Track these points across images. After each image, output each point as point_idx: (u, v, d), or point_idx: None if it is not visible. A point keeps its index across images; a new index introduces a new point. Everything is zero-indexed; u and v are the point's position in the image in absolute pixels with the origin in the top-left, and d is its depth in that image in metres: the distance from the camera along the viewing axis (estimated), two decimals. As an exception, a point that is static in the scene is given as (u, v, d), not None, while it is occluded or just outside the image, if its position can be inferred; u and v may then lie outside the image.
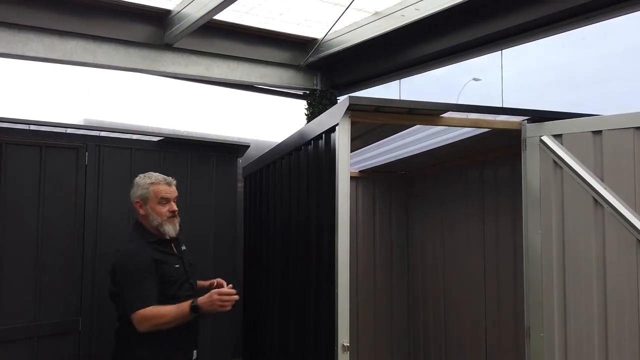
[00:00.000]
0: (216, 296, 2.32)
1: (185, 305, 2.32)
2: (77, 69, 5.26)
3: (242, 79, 6.02)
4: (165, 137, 3.41)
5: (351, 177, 4.88)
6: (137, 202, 2.50)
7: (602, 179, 2.59)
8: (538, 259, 2.78)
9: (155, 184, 2.51)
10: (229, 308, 2.33)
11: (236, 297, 2.35)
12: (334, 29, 5.69)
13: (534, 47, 4.66)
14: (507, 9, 4.62)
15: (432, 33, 5.25)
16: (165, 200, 2.50)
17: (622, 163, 2.53)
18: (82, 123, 5.02)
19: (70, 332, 3.04)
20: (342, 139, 2.53)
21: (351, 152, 3.98)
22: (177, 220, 2.56)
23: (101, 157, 3.19)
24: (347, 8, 4.84)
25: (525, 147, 2.88)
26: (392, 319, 4.82)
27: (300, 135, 3.18)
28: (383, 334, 4.79)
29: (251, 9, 5.31)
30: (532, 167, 2.84)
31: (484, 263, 3.99)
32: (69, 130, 3.14)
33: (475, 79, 7.50)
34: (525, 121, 2.90)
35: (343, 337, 2.42)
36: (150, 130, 5.14)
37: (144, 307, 2.31)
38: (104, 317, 3.16)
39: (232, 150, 3.71)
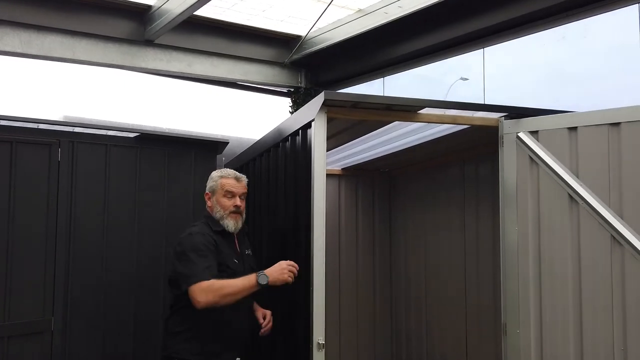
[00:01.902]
0: (285, 264, 2.34)
1: (251, 277, 2.30)
2: (56, 64, 5.16)
3: (225, 76, 5.96)
4: (141, 133, 3.36)
5: (334, 175, 4.92)
6: (207, 193, 2.61)
7: (577, 175, 2.60)
8: (514, 256, 2.79)
9: (224, 177, 2.59)
10: (291, 279, 2.35)
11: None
12: (318, 26, 5.65)
13: (524, 45, 4.68)
14: (489, 6, 4.63)
15: (415, 31, 5.25)
16: (230, 194, 2.56)
17: (597, 159, 2.54)
18: (61, 119, 4.93)
19: (43, 331, 2.98)
20: (318, 135, 2.51)
21: (333, 149, 4.01)
22: (240, 218, 2.60)
23: (75, 154, 3.13)
24: (328, 5, 4.80)
25: (503, 143, 2.88)
26: (375, 318, 4.82)
27: (278, 131, 3.15)
28: (365, 333, 4.78)
29: (234, 5, 5.26)
30: (509, 164, 2.85)
31: (465, 260, 4.00)
32: (42, 126, 3.08)
33: (462, 79, 7.52)
34: (503, 118, 2.90)
35: (318, 334, 2.40)
36: (130, 127, 5.06)
37: (204, 279, 2.28)
38: (78, 316, 3.11)
39: (210, 146, 3.67)
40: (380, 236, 4.91)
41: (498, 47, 4.91)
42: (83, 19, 4.88)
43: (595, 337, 2.50)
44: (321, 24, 5.71)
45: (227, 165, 4.89)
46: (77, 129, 3.17)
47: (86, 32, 4.97)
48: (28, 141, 2.99)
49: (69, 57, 4.97)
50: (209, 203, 2.61)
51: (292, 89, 6.53)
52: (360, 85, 6.43)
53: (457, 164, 4.12)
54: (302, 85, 6.55)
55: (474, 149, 3.79)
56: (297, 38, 6.01)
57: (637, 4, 3.97)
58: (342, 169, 4.96)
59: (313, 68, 6.43)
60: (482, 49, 5.05)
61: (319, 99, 2.46)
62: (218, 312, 2.35)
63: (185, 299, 2.34)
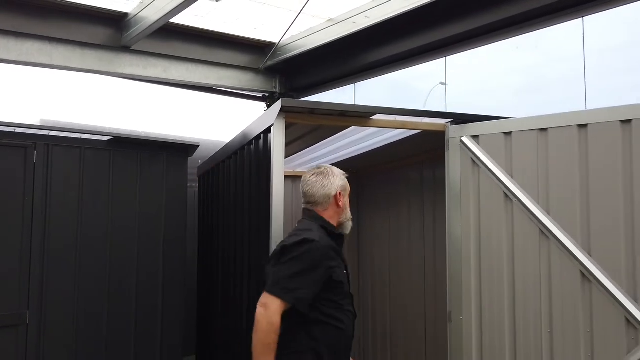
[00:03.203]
0: None
1: None
2: (34, 69, 5.30)
3: (200, 81, 6.15)
4: (115, 136, 3.54)
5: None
6: (340, 192, 2.20)
7: (511, 175, 2.88)
8: (458, 250, 3.05)
9: (345, 176, 2.28)
10: None
11: None
12: (291, 33, 5.90)
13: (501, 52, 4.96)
14: (449, 18, 4.93)
15: (382, 40, 5.53)
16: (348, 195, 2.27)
17: (528, 161, 2.83)
18: (39, 123, 5.06)
19: (18, 325, 3.14)
20: (276, 139, 2.73)
21: (300, 151, 4.23)
22: None
23: (50, 156, 3.30)
24: (298, 15, 5.05)
25: (449, 147, 3.15)
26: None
27: (243, 135, 3.37)
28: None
29: (208, 13, 5.46)
30: (453, 166, 3.12)
31: (424, 258, 4.26)
32: (19, 130, 3.24)
33: (442, 84, 7.82)
34: (449, 123, 3.18)
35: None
36: (108, 131, 5.23)
37: (288, 298, 1.92)
38: (53, 312, 3.27)
39: (181, 149, 3.86)
40: (349, 237, 5.12)
41: (472, 55, 5.20)
42: (61, 25, 5.03)
43: (527, 321, 2.77)
44: (294, 32, 5.95)
45: (200, 168, 5.09)
46: (52, 133, 3.35)
47: (64, 38, 5.13)
48: (4, 144, 3.16)
49: (46, 62, 5.11)
50: (340, 203, 2.20)
51: (267, 94, 6.75)
52: (333, 91, 6.69)
53: (417, 166, 4.39)
54: (277, 90, 6.78)
55: (430, 152, 4.06)
56: (271, 45, 6.23)
57: (582, 18, 4.31)
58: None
59: (287, 74, 6.67)
60: (443, 58, 5.35)
61: (277, 106, 2.69)
62: (344, 339, 2.06)
63: (314, 315, 1.99)
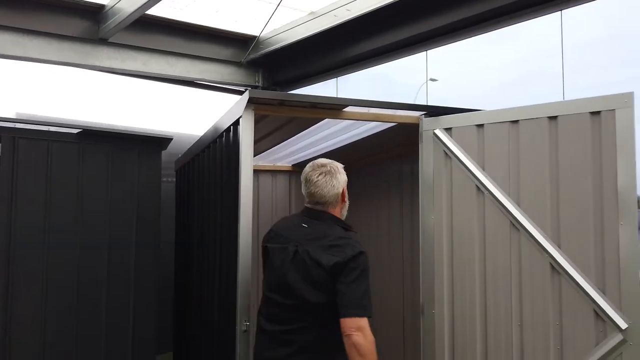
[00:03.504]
0: None
1: None
2: (9, 62, 5.19)
3: (181, 75, 6.06)
4: (84, 128, 3.47)
5: (285, 171, 5.11)
6: (344, 189, 2.18)
7: (483, 168, 2.86)
8: (431, 243, 3.03)
9: None
10: None
11: None
12: (273, 27, 5.83)
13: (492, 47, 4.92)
14: (429, 12, 4.90)
15: (363, 33, 5.48)
16: None
17: (499, 153, 2.81)
18: (14, 117, 4.96)
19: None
20: (245, 131, 2.69)
21: (274, 146, 4.19)
22: None
23: (17, 149, 3.22)
24: (276, 7, 4.99)
25: (422, 140, 3.12)
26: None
27: (214, 128, 3.32)
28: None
29: (187, 6, 5.39)
30: (427, 158, 3.09)
31: (402, 252, 4.24)
32: (-17, 122, 3.16)
33: (432, 79, 7.81)
34: (423, 116, 3.15)
35: (243, 317, 2.58)
36: (84, 125, 5.12)
37: (369, 313, 1.95)
38: (20, 306, 3.20)
39: (155, 143, 3.79)
40: None
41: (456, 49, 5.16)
42: (36, 17, 4.93)
43: (497, 314, 2.76)
44: (276, 25, 5.89)
45: (177, 162, 5.02)
46: (19, 125, 3.26)
47: (39, 30, 5.02)
48: (-31, 136, 3.07)
49: (21, 54, 5.00)
50: (344, 199, 2.19)
51: (249, 88, 6.69)
52: (316, 85, 6.65)
53: (397, 160, 4.36)
54: (260, 84, 6.71)
55: (408, 145, 4.03)
56: (253, 38, 6.16)
57: (560, 11, 4.30)
58: (292, 165, 5.14)
59: (270, 68, 6.60)
60: (425, 51, 5.32)
61: (245, 98, 2.64)
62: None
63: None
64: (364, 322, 1.91)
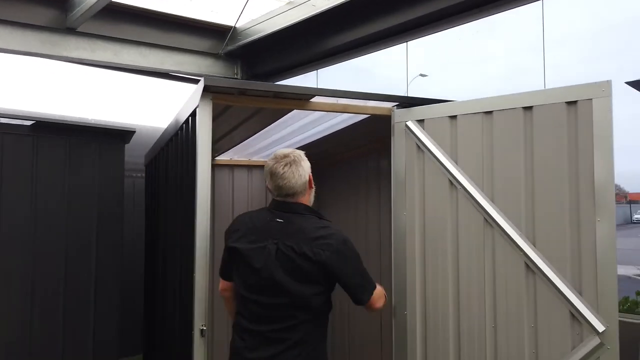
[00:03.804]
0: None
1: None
2: (-30, 52, 4.95)
3: (155, 66, 5.85)
4: (38, 120, 3.27)
5: (260, 167, 4.92)
6: (310, 176, 2.16)
7: (456, 161, 2.71)
8: (403, 241, 2.88)
9: None
10: None
11: None
12: (251, 17, 5.66)
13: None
14: (410, 1, 4.74)
15: (343, 23, 5.32)
16: None
17: (473, 147, 2.66)
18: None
19: None
20: (202, 123, 2.51)
21: (246, 138, 4.00)
22: None
23: (-36, 141, 3.02)
24: (250, -5, 4.79)
25: (394, 132, 2.96)
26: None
27: (175, 119, 3.14)
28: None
29: (159, -6, 5.18)
30: (399, 152, 2.93)
31: (380, 251, 4.09)
32: None
33: (421, 75, 7.65)
34: (395, 107, 2.99)
35: (200, 320, 2.41)
36: (49, 117, 4.91)
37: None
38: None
39: (117, 135, 3.61)
40: None
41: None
42: (0, 5, 4.70)
43: (471, 316, 2.62)
44: (254, 16, 5.71)
45: (146, 156, 4.83)
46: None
47: (3, 19, 4.79)
48: None
49: (-17, 44, 4.78)
50: (312, 184, 2.18)
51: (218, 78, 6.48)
52: (297, 77, 6.47)
53: (374, 156, 4.20)
54: (239, 76, 6.52)
55: (386, 140, 3.87)
56: (231, 29, 5.97)
57: (541, 1, 4.16)
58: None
59: (249, 60, 6.41)
60: (405, 42, 5.16)
61: (200, 86, 2.46)
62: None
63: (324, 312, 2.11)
64: (377, 295, 2.19)
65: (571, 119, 2.38)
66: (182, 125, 2.93)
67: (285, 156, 2.12)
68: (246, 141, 4.09)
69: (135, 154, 5.00)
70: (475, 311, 2.60)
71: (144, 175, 5.05)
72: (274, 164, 2.12)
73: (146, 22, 5.65)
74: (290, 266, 1.98)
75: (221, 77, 6.42)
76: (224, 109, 2.94)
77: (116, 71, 5.85)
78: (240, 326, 2.09)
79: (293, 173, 2.08)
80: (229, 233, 2.17)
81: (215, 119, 3.12)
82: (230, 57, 6.34)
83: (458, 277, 2.66)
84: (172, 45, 5.88)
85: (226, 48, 6.13)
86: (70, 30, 5.19)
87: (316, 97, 2.80)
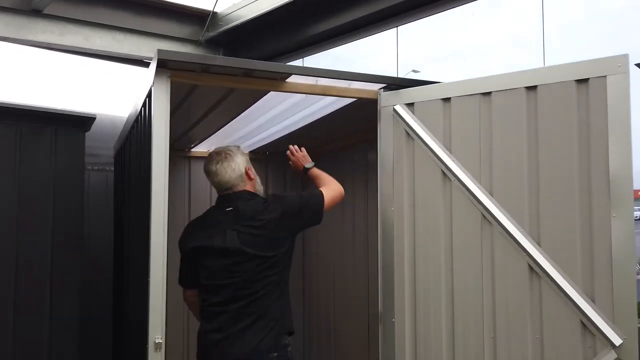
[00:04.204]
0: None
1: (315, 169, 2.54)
2: None
3: (130, 53, 5.49)
4: (-18, 105, 2.91)
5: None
6: (248, 168, 2.30)
7: (450, 150, 2.40)
8: (390, 239, 2.56)
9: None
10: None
11: None
12: (232, 1, 5.33)
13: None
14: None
15: (329, 8, 5.00)
16: None
17: (469, 133, 2.34)
18: None
19: None
20: (158, 104, 2.17)
21: (221, 127, 3.65)
22: None
23: None
24: (228, -27, 4.44)
25: (380, 118, 2.64)
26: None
27: (135, 103, 2.79)
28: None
29: (132, -25, 4.82)
30: (386, 140, 2.61)
31: (367, 250, 3.78)
32: None
33: (414, 71, 7.34)
34: (382, 89, 2.67)
35: (155, 333, 2.08)
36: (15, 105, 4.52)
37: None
38: None
39: (75, 122, 3.25)
40: None
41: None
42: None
43: (467, 324, 2.31)
44: (235, 0, 5.37)
45: (115, 147, 4.47)
46: None
47: (-39, -1, 4.42)
48: None
49: (-62, 26, 4.40)
50: (252, 176, 2.30)
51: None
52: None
53: (361, 146, 3.88)
54: (221, 65, 6.17)
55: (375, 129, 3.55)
56: (212, 14, 5.64)
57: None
58: (249, 152, 4.63)
59: (231, 47, 6.06)
60: (395, 27, 4.84)
61: (154, 61, 2.12)
62: (287, 296, 2.24)
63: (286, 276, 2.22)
64: (328, 194, 2.35)
65: (582, 99, 2.07)
66: (140, 110, 2.59)
67: (217, 154, 2.27)
68: (223, 130, 3.74)
69: (109, 146, 4.66)
70: (472, 319, 2.29)
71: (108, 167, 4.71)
72: (207, 164, 2.28)
73: (121, 5, 5.29)
74: (252, 241, 2.10)
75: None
76: (190, 90, 2.59)
77: (88, 57, 5.46)
78: (207, 313, 2.16)
79: (226, 169, 2.21)
80: (182, 241, 2.26)
81: (181, 102, 2.80)
82: (211, 44, 5.98)
83: (452, 280, 2.35)
84: (149, 31, 5.52)
85: (207, 34, 5.78)
86: (37, 13, 4.83)
87: (293, 76, 2.47)
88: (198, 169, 4.61)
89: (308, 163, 2.55)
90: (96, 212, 4.71)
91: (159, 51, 2.08)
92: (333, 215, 4.19)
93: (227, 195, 2.23)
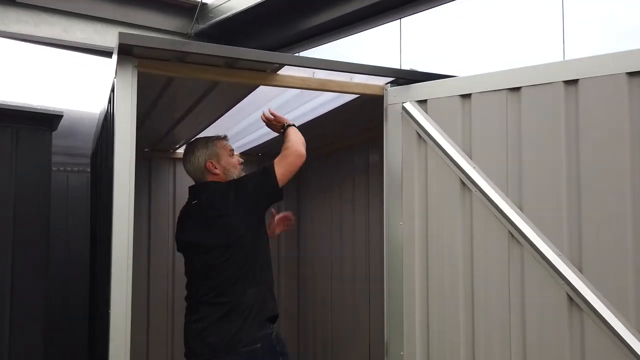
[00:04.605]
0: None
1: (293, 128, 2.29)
2: None
3: (113, 45, 5.09)
4: None
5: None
6: (210, 162, 2.27)
7: (470, 155, 2.03)
8: (399, 259, 2.20)
9: (218, 140, 2.37)
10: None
11: None
12: (222, -7, 4.96)
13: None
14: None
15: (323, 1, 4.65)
16: (232, 152, 2.40)
17: (493, 134, 1.98)
18: None
19: None
20: (122, 99, 1.80)
21: (209, 124, 3.27)
22: None
23: None
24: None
25: (387, 117, 2.28)
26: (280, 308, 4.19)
27: (107, 98, 2.42)
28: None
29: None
30: (393, 143, 2.25)
31: (368, 269, 3.40)
32: None
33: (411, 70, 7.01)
34: (389, 84, 2.30)
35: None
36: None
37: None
38: None
39: (42, 120, 2.88)
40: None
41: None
42: None
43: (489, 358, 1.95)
44: (226, -9, 5.02)
45: (92, 147, 4.09)
46: None
47: None
48: None
49: None
50: (217, 170, 2.27)
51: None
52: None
53: (362, 147, 3.52)
54: (212, 60, 5.81)
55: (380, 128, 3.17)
56: (201, 6, 5.29)
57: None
58: (240, 153, 4.25)
59: (222, 40, 5.69)
60: (398, 19, 4.48)
61: (116, 47, 1.75)
62: (264, 283, 2.17)
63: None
64: (282, 162, 2.16)
65: (635, 95, 1.71)
66: (106, 106, 2.21)
67: (186, 147, 2.37)
68: (210, 130, 3.35)
69: (89, 146, 4.30)
70: (497, 358, 1.93)
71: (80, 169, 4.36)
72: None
73: (102, -5, 4.91)
74: (213, 232, 2.12)
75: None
76: (167, 84, 2.22)
77: (66, 50, 5.07)
78: (188, 304, 2.21)
79: (188, 160, 2.31)
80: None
81: (157, 97, 2.43)
82: (201, 38, 5.59)
83: (473, 311, 1.99)
84: (134, 23, 5.14)
85: (197, 27, 5.42)
86: (10, 1, 4.46)
87: (285, 67, 2.10)
88: (183, 171, 4.25)
89: (285, 125, 2.33)
90: (78, 216, 4.37)
91: (121, 34, 1.71)
92: (329, 231, 3.84)
93: (193, 187, 2.33)
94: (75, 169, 4.68)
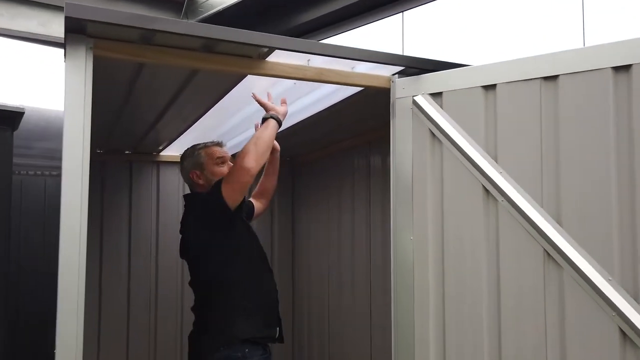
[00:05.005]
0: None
1: (268, 121, 2.03)
2: None
3: (96, 41, 4.78)
4: None
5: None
6: (194, 172, 2.21)
7: (495, 157, 1.71)
8: (409, 278, 1.86)
9: (207, 147, 2.27)
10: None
11: None
12: (212, -15, 4.65)
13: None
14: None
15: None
16: (221, 160, 2.25)
17: (523, 132, 1.65)
18: None
19: None
20: (72, 87, 1.48)
21: (196, 120, 2.92)
22: None
23: None
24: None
25: (395, 112, 1.95)
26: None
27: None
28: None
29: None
30: (402, 143, 1.92)
31: (369, 259, 3.08)
32: None
33: None
34: (397, 75, 1.97)
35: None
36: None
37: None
38: None
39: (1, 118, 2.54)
40: (281, 233, 4.01)
41: None
42: None
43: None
44: (216, -18, 4.72)
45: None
46: None
47: None
48: None
49: None
50: (200, 181, 2.20)
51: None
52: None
53: (363, 149, 3.20)
54: (202, 58, 5.50)
55: (385, 127, 2.83)
56: (190, 1, 5.01)
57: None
58: (232, 156, 3.92)
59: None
60: (400, 12, 4.17)
61: (65, 21, 1.42)
62: (257, 279, 2.12)
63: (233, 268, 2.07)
64: (236, 171, 1.99)
65: None
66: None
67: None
68: (195, 128, 3.02)
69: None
70: (529, 401, 1.60)
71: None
72: None
73: (83, -13, 4.58)
74: (184, 245, 2.15)
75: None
76: (137, 71, 1.88)
77: (44, 45, 4.74)
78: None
79: (181, 171, 2.29)
80: None
81: (128, 90, 2.10)
82: (190, 34, 5.30)
83: (500, 348, 1.65)
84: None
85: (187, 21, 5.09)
86: (-19, -9, 4.12)
87: (276, 52, 1.77)
88: (168, 175, 3.92)
89: (268, 113, 2.07)
90: (56, 224, 4.02)
91: (68, 5, 1.37)
92: (327, 244, 3.52)
93: (184, 197, 2.37)
94: (54, 172, 4.34)
